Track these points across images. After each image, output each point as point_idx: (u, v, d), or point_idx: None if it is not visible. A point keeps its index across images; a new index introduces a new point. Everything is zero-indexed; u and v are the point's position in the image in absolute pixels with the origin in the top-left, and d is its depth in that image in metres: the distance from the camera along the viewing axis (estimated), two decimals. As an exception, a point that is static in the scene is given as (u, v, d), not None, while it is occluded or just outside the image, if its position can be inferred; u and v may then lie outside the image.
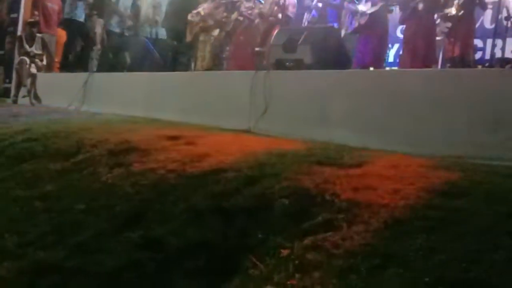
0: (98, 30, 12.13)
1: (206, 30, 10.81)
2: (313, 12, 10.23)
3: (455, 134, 5.31)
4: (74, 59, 12.40)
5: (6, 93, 12.91)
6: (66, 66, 12.39)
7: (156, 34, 12.00)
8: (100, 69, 11.09)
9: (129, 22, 12.18)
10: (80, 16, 12.41)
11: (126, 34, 12.16)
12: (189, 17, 11.16)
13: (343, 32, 9.35)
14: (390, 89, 6.03)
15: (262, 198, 4.21)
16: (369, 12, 8.87)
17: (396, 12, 9.03)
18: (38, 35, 11.79)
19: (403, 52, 8.85)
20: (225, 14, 10.66)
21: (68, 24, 12.56)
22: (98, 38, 12.13)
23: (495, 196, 3.63)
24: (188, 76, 9.58)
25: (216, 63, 10.63)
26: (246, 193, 4.32)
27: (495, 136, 5.06)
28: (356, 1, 9.41)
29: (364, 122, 6.04)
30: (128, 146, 5.98)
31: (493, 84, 5.34)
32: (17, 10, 13.35)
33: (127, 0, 12.50)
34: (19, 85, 11.78)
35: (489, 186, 3.82)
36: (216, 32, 10.72)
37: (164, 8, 12.04)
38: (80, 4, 12.35)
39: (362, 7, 9.03)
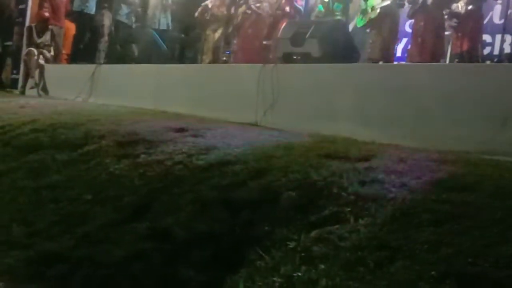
0: (107, 22, 12.13)
1: (212, 24, 10.83)
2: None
3: (463, 129, 5.30)
4: (83, 52, 12.37)
5: (13, 84, 12.95)
6: (75, 58, 12.39)
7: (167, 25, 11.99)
8: (108, 61, 11.10)
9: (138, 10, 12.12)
10: (91, 9, 12.36)
11: (134, 26, 12.14)
12: (197, 11, 11.18)
13: (350, 27, 9.35)
14: (398, 83, 6.02)
15: (269, 190, 4.21)
16: (379, 6, 8.87)
17: (405, 6, 9.01)
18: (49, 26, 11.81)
19: (411, 46, 8.85)
20: (231, 8, 10.67)
21: (78, 17, 12.49)
22: (106, 31, 12.14)
23: (502, 190, 3.63)
24: (196, 69, 9.58)
25: (217, 58, 10.65)
26: (253, 185, 4.32)
27: (503, 131, 5.04)
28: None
29: (371, 116, 6.04)
30: (136, 138, 5.99)
31: (502, 80, 5.32)
32: (25, 1, 13.37)
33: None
34: (27, 76, 11.80)
35: (496, 181, 3.82)
36: (220, 26, 10.74)
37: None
38: None
39: (373, 2, 9.02)
